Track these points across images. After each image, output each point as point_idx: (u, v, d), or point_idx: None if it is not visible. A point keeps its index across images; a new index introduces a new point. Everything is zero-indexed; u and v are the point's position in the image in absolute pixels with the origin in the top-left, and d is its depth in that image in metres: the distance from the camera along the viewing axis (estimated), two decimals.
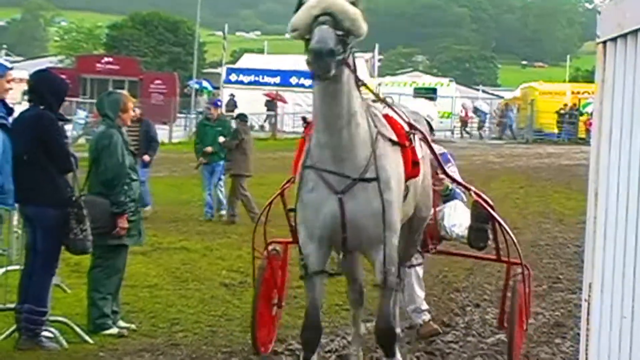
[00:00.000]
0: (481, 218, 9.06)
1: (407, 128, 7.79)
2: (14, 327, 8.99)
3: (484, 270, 13.09)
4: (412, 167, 7.58)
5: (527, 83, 59.46)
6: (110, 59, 71.22)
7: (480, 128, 56.42)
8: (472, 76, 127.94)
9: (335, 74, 6.53)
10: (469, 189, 9.24)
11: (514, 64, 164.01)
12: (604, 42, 5.61)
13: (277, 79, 56.81)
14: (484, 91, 79.59)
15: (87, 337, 9.25)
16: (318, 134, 7.06)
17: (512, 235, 9.04)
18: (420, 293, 9.91)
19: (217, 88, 62.22)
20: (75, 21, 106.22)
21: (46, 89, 9.05)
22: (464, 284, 12.55)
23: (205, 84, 68.88)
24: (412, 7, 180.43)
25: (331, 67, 6.40)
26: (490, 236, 9.16)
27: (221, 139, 18.75)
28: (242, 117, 20.38)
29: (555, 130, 50.75)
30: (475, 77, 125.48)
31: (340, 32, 6.48)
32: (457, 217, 9.55)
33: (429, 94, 52.71)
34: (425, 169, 8.21)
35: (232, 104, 50.22)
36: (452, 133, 53.79)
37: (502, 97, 67.04)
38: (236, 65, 69.54)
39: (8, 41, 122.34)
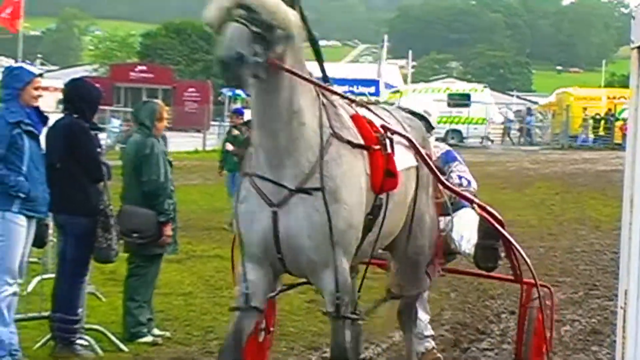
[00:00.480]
0: (489, 234, 7.85)
1: (382, 131, 6.60)
2: (49, 335, 9.04)
3: None
4: (385, 177, 6.35)
5: (562, 88, 59.23)
6: (144, 68, 71.77)
7: (505, 134, 56.29)
8: (506, 82, 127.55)
9: (266, 78, 5.60)
10: (471, 201, 7.94)
11: (549, 70, 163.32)
12: (639, 47, 5.55)
13: None
14: (518, 97, 79.44)
15: (122, 345, 9.29)
16: (254, 133, 6.06)
17: (524, 255, 7.99)
18: (423, 316, 8.62)
19: (250, 95, 62.37)
20: (109, 30, 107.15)
21: (80, 98, 9.09)
22: (499, 290, 12.47)
23: (238, 91, 69.07)
24: (446, 13, 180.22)
25: (243, 76, 5.41)
26: (502, 255, 8.03)
27: (229, 147, 18.60)
28: (248, 124, 20.14)
29: (591, 136, 50.58)
30: (509, 83, 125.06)
31: (256, 29, 5.40)
32: (467, 228, 8.22)
33: (463, 100, 52.62)
34: (410, 184, 6.99)
35: None
36: (487, 139, 53.64)
37: (536, 103, 66.85)
38: None
39: (43, 50, 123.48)
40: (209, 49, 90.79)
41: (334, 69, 73.88)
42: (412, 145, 6.96)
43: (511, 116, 58.42)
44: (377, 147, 6.32)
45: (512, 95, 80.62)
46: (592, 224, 19.76)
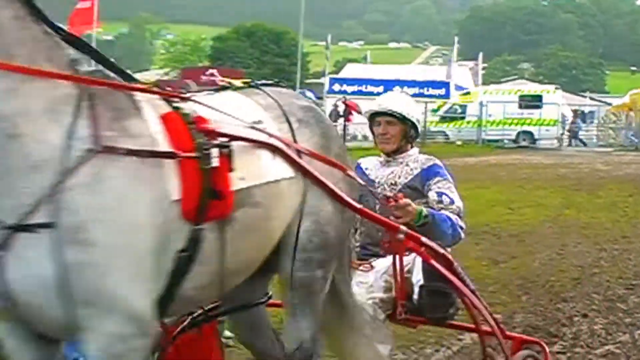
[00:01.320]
0: (437, 275, 5.88)
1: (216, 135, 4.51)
2: None
3: (593, 280, 12.85)
4: (206, 199, 4.35)
5: (637, 89, 58.48)
6: (214, 71, 72.41)
7: (563, 134, 55.79)
8: (579, 83, 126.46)
9: None
10: (395, 228, 5.65)
11: (623, 70, 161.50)
12: None
13: (381, 89, 56.94)
14: (591, 98, 78.68)
15: None
16: None
17: (482, 302, 6.15)
18: None
19: (321, 98, 62.73)
20: (180, 34, 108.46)
21: None
22: (571, 293, 12.32)
23: (308, 94, 69.14)
24: (517, 14, 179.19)
25: None
26: (457, 301, 6.30)
27: None
28: None
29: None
30: (582, 84, 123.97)
31: None
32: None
33: (535, 101, 52.22)
34: (278, 202, 4.91)
35: (335, 114, 50.45)
36: (559, 141, 53.18)
37: (610, 104, 66.20)
38: (339, 75, 70.09)
39: (116, 55, 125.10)
40: (279, 51, 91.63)
41: (404, 71, 73.80)
42: (280, 153, 4.95)
43: (569, 116, 57.75)
44: (186, 155, 4.32)
45: (585, 97, 79.77)
46: None
